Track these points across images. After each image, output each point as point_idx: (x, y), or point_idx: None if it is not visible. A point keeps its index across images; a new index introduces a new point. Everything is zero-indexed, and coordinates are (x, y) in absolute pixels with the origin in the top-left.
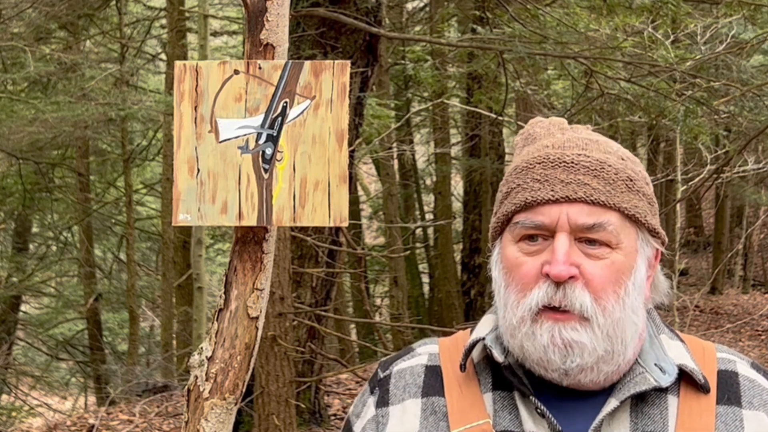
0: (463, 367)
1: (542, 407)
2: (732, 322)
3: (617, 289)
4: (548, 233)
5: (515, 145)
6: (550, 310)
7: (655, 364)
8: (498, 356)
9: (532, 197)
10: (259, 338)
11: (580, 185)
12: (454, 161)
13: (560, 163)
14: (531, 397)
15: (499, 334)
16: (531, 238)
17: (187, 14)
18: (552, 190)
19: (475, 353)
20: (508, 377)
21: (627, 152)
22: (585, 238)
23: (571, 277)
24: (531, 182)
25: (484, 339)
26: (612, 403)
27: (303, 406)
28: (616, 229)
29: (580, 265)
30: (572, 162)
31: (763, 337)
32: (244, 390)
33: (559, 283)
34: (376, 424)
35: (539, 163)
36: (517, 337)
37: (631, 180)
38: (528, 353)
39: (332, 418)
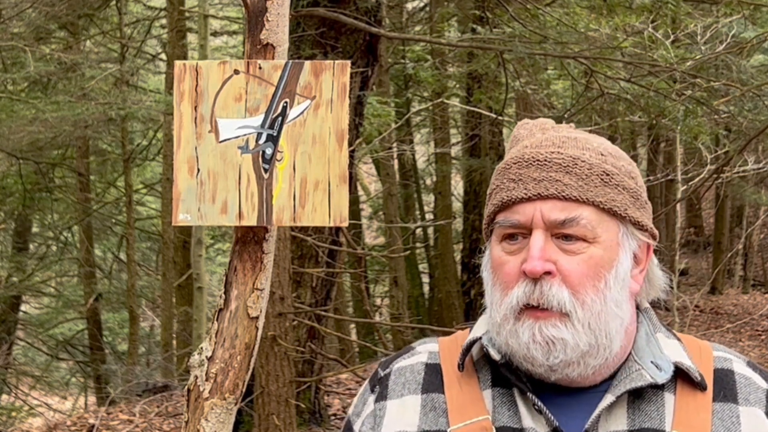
0: (461, 367)
1: (539, 404)
2: (732, 322)
3: (596, 283)
4: (526, 231)
5: (506, 149)
6: (531, 308)
7: (652, 362)
8: (495, 354)
9: (508, 196)
10: (259, 338)
11: (552, 182)
12: (454, 161)
13: (533, 161)
14: (529, 394)
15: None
16: (512, 237)
17: (187, 14)
18: (525, 189)
19: (475, 351)
20: (505, 375)
21: (612, 148)
22: (561, 234)
23: (548, 273)
24: (507, 182)
25: (480, 338)
26: (608, 399)
27: (303, 406)
28: (591, 224)
29: (557, 261)
30: (545, 160)
31: (763, 337)
32: (244, 390)
33: (536, 281)
34: (374, 418)
35: (515, 163)
36: (502, 335)
37: (608, 174)
38: (513, 350)
39: (332, 418)
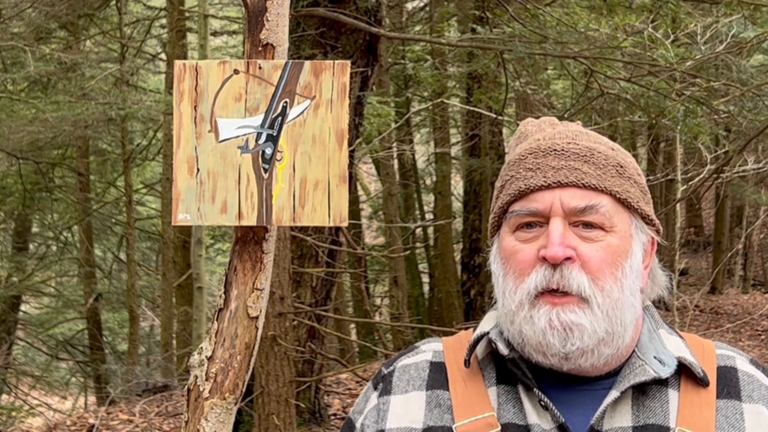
0: (467, 363)
1: (546, 400)
2: (732, 322)
3: (614, 271)
4: (543, 220)
5: (510, 146)
6: (548, 293)
7: (655, 357)
8: (503, 349)
9: (526, 185)
10: (259, 338)
11: (571, 170)
12: (454, 161)
13: (551, 151)
14: (535, 390)
15: (501, 327)
16: (527, 225)
17: (187, 14)
18: (544, 177)
19: (479, 349)
20: (512, 370)
21: (618, 146)
22: (579, 221)
23: (568, 259)
24: (524, 171)
25: (488, 334)
26: (613, 395)
27: (303, 406)
28: (609, 212)
29: (576, 248)
30: (563, 150)
31: (763, 337)
32: (244, 390)
33: (555, 266)
34: (377, 412)
35: (530, 154)
36: (515, 323)
37: (622, 166)
38: (527, 338)
39: (332, 418)
